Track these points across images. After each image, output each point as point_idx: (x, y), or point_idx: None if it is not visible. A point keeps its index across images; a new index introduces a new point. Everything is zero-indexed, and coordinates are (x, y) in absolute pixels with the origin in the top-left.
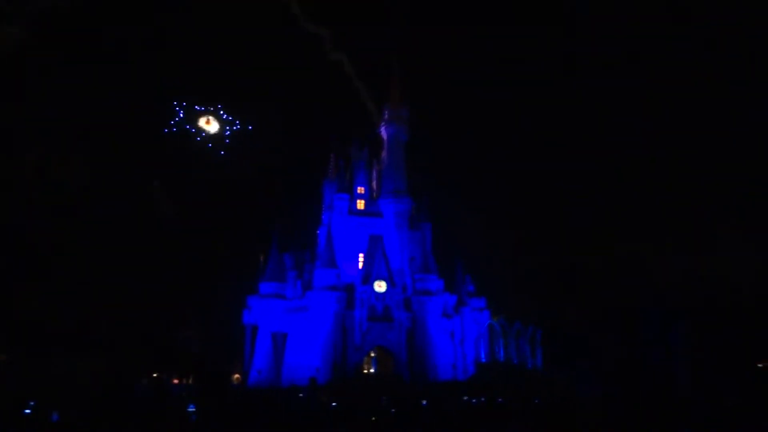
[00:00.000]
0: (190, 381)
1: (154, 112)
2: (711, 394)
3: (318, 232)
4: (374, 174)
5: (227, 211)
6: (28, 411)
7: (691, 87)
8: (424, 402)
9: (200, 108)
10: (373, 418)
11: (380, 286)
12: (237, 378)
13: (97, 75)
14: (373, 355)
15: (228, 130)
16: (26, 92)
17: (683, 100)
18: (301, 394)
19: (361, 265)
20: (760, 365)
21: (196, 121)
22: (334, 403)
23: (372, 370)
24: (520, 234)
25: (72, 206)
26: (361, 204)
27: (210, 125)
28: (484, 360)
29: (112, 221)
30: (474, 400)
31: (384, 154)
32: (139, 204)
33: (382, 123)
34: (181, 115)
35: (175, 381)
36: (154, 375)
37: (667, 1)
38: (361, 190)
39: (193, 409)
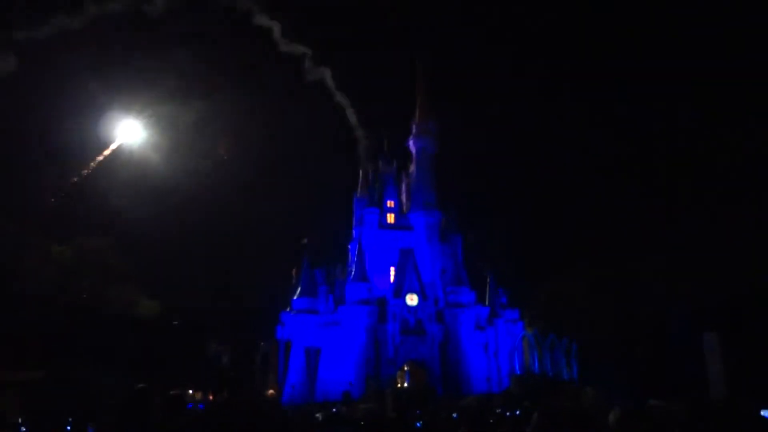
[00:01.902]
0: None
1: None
2: (746, 404)
3: (349, 246)
4: (403, 187)
5: (258, 227)
6: (68, 428)
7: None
8: (455, 415)
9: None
10: None
11: (412, 300)
12: (271, 394)
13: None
14: (406, 369)
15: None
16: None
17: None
18: (334, 409)
19: (392, 278)
20: None
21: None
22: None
23: (405, 384)
24: (551, 244)
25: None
26: (391, 218)
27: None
28: (518, 372)
29: (142, 235)
30: (508, 413)
31: (413, 167)
32: (171, 218)
33: (410, 136)
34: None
35: (210, 397)
36: (171, 392)
37: None
38: (390, 203)
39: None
